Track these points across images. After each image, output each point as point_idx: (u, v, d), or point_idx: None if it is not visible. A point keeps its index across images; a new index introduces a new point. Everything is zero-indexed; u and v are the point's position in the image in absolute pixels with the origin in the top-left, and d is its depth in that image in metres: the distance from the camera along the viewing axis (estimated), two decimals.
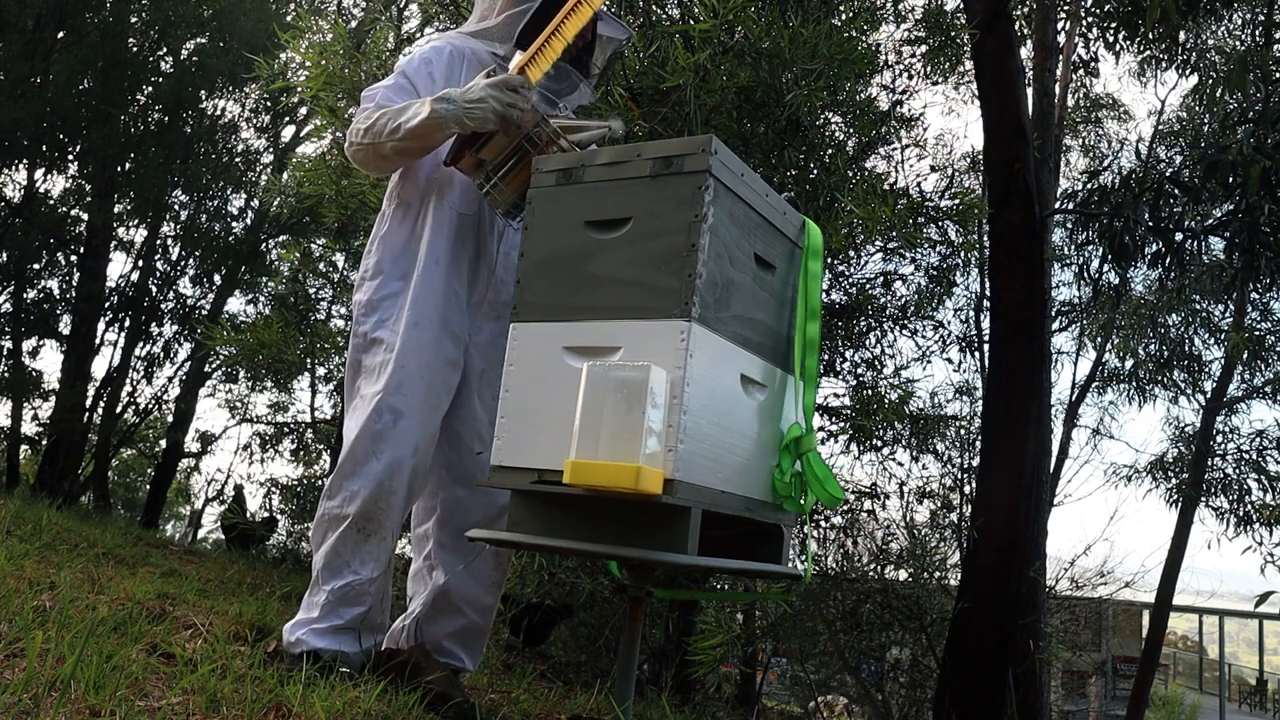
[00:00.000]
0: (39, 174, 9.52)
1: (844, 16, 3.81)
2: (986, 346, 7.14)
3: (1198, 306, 11.22)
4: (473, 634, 2.11)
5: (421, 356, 1.95)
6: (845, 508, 5.30)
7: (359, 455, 1.92)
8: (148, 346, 10.71)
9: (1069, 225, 8.12)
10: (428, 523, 2.11)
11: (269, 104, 10.16)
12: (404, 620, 2.10)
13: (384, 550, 1.95)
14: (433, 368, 1.97)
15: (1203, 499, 10.78)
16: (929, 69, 4.38)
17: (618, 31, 2.20)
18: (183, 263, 10.70)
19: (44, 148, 8.95)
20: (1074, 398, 12.57)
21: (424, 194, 2.03)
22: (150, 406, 11.46)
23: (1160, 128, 11.91)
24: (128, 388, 10.74)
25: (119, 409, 10.75)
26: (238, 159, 10.43)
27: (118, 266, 32.15)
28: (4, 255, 9.34)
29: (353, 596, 1.93)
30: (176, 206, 10.44)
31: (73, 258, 10.19)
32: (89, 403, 10.09)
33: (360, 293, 2.05)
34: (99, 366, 10.47)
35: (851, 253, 4.45)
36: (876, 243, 4.48)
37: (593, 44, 2.15)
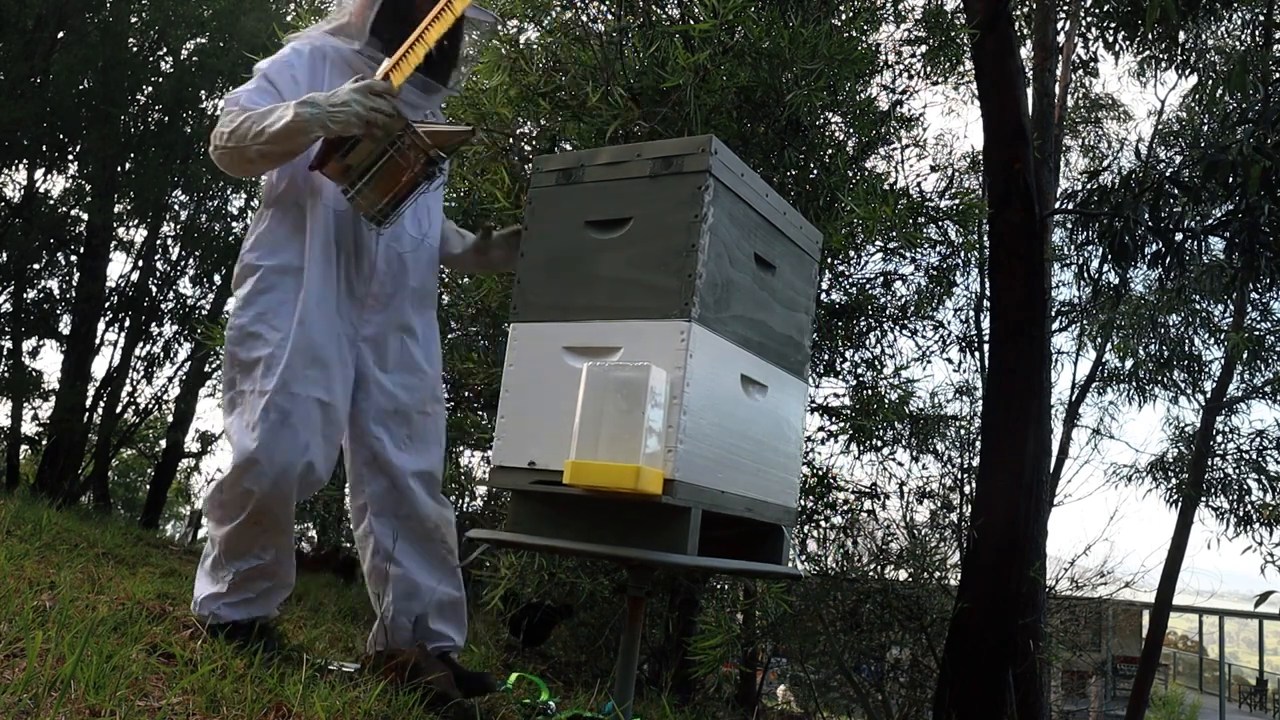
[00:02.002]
0: (39, 174, 9.52)
1: (844, 16, 3.81)
2: (986, 346, 7.14)
3: (1198, 306, 11.22)
4: (451, 606, 2.14)
5: (308, 354, 1.96)
6: (845, 508, 5.30)
7: (252, 456, 1.91)
8: (148, 346, 10.71)
9: (1069, 225, 8.12)
10: (364, 522, 2.13)
11: None
12: (381, 621, 2.12)
13: (283, 534, 2.01)
14: (320, 363, 1.98)
15: (1203, 499, 10.78)
16: (929, 69, 4.38)
17: (484, 16, 2.24)
18: (183, 263, 10.69)
19: (44, 148, 8.95)
20: (1074, 398, 12.57)
21: (300, 192, 2.04)
22: (150, 406, 11.45)
23: (1160, 128, 11.91)
24: (128, 388, 10.73)
25: (119, 409, 10.74)
26: None
27: (118, 266, 32.16)
28: (4, 255, 9.33)
29: (259, 574, 2.00)
30: (176, 206, 10.43)
31: (73, 258, 10.18)
32: (89, 403, 10.08)
33: (238, 287, 2.06)
34: (99, 366, 10.47)
35: (851, 253, 4.45)
36: (876, 243, 4.48)
37: (459, 43, 2.18)
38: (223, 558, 2.00)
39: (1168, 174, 5.66)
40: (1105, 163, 12.22)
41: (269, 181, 2.11)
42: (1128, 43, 7.87)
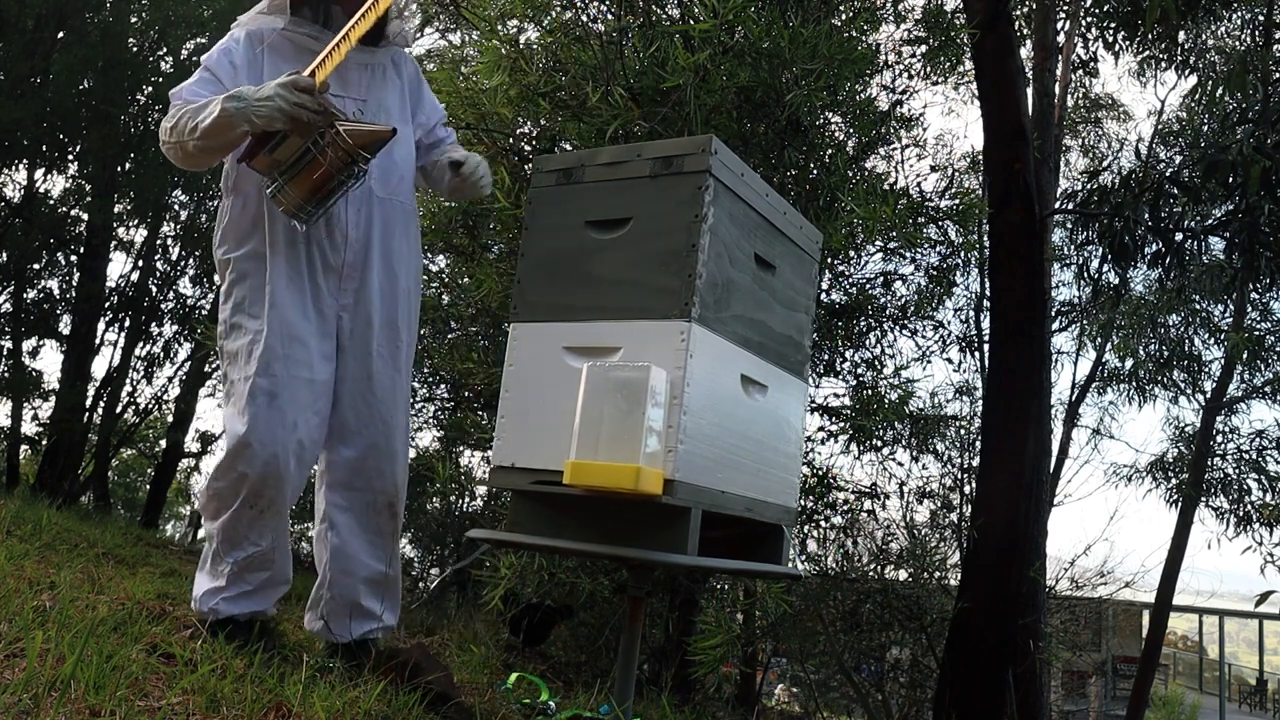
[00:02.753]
0: (39, 174, 9.52)
1: (844, 16, 3.81)
2: (986, 346, 7.14)
3: (1198, 306, 11.22)
4: (382, 584, 2.16)
5: (285, 334, 2.00)
6: (845, 508, 5.30)
7: (243, 439, 1.95)
8: (148, 346, 10.70)
9: (1069, 225, 8.12)
10: (321, 487, 2.17)
11: None
12: (318, 589, 2.16)
13: (279, 520, 2.03)
14: (299, 342, 2.01)
15: (1203, 499, 10.77)
16: (929, 69, 4.37)
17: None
18: (183, 263, 10.68)
19: (44, 148, 8.94)
20: (1074, 398, 12.57)
21: (259, 179, 2.07)
22: (150, 406, 11.44)
23: (1160, 128, 11.91)
24: (128, 388, 10.72)
25: (119, 409, 10.73)
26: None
27: (118, 266, 32.16)
28: (4, 255, 9.33)
29: (256, 564, 2.03)
30: (176, 206, 10.43)
31: (73, 258, 10.18)
32: (89, 403, 10.07)
33: (220, 283, 2.12)
34: (99, 366, 10.46)
35: (851, 253, 4.45)
36: (876, 243, 4.48)
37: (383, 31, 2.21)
38: (221, 549, 2.03)
39: (1168, 174, 5.66)
40: (1105, 163, 12.22)
41: (225, 171, 2.15)
42: (1127, 43, 7.87)
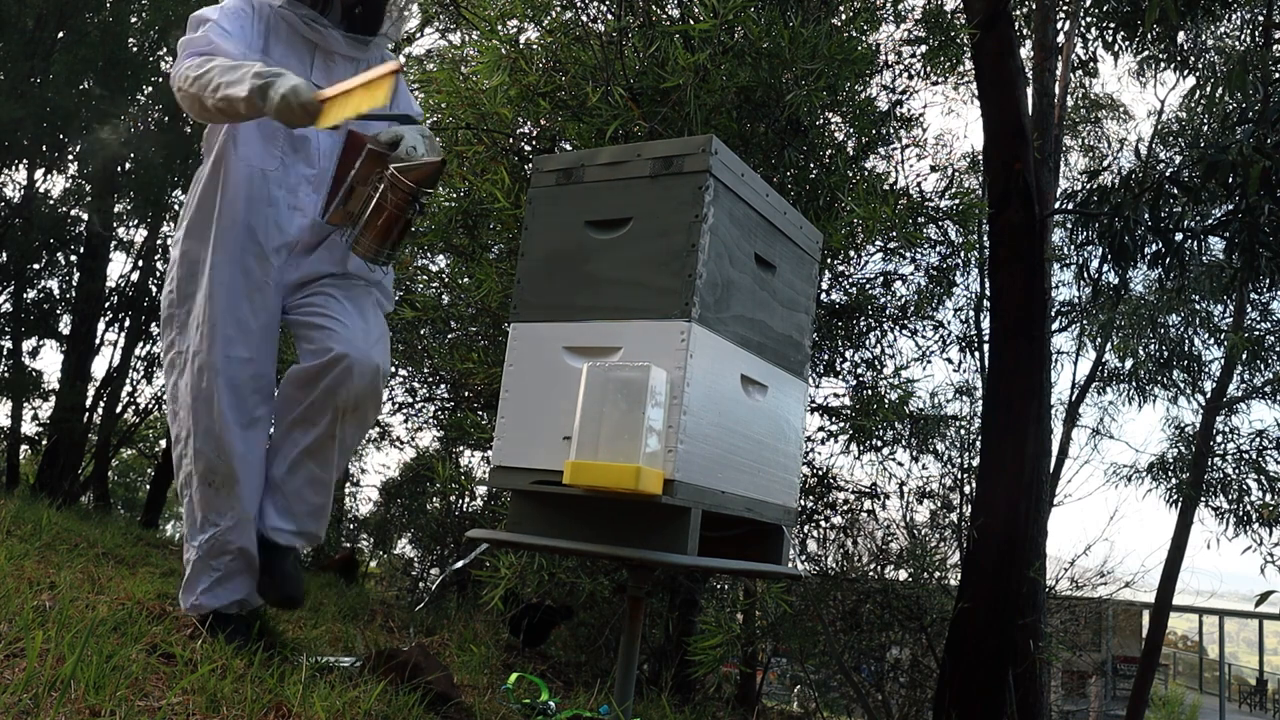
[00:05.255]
0: (39, 174, 9.52)
1: (844, 16, 3.81)
2: (986, 346, 7.14)
3: (1198, 306, 11.21)
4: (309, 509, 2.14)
5: (229, 313, 2.04)
6: (845, 508, 5.30)
7: (190, 413, 2.03)
8: (148, 346, 10.69)
9: (1069, 225, 8.12)
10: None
11: None
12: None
13: (237, 500, 2.04)
14: (239, 321, 2.05)
15: (1202, 499, 10.77)
16: (929, 69, 4.38)
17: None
18: None
19: (44, 148, 8.94)
20: (1074, 398, 12.57)
21: (223, 149, 2.11)
22: (150, 406, 11.43)
23: (1160, 128, 11.91)
24: (128, 388, 10.72)
25: (119, 409, 10.73)
26: None
27: (118, 266, 32.16)
28: (4, 255, 9.33)
29: (219, 547, 2.04)
30: (176, 206, 10.43)
31: (73, 258, 10.18)
32: (89, 403, 10.07)
33: (174, 248, 2.16)
34: (99, 366, 10.46)
35: (851, 253, 4.45)
36: (876, 243, 4.48)
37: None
38: (187, 535, 2.07)
39: (1168, 174, 5.66)
40: (1105, 163, 12.22)
41: (206, 137, 2.19)
42: (1127, 43, 7.86)
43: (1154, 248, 5.35)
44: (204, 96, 1.95)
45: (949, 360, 11.26)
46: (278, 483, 2.10)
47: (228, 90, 1.92)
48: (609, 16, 3.60)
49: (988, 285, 6.46)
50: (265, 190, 2.11)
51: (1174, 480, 11.17)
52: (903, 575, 5.72)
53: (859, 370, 4.86)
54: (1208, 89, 7.59)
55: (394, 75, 1.98)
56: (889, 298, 4.96)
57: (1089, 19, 8.50)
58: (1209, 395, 11.18)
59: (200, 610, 2.03)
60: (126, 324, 10.38)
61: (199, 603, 2.04)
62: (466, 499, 7.51)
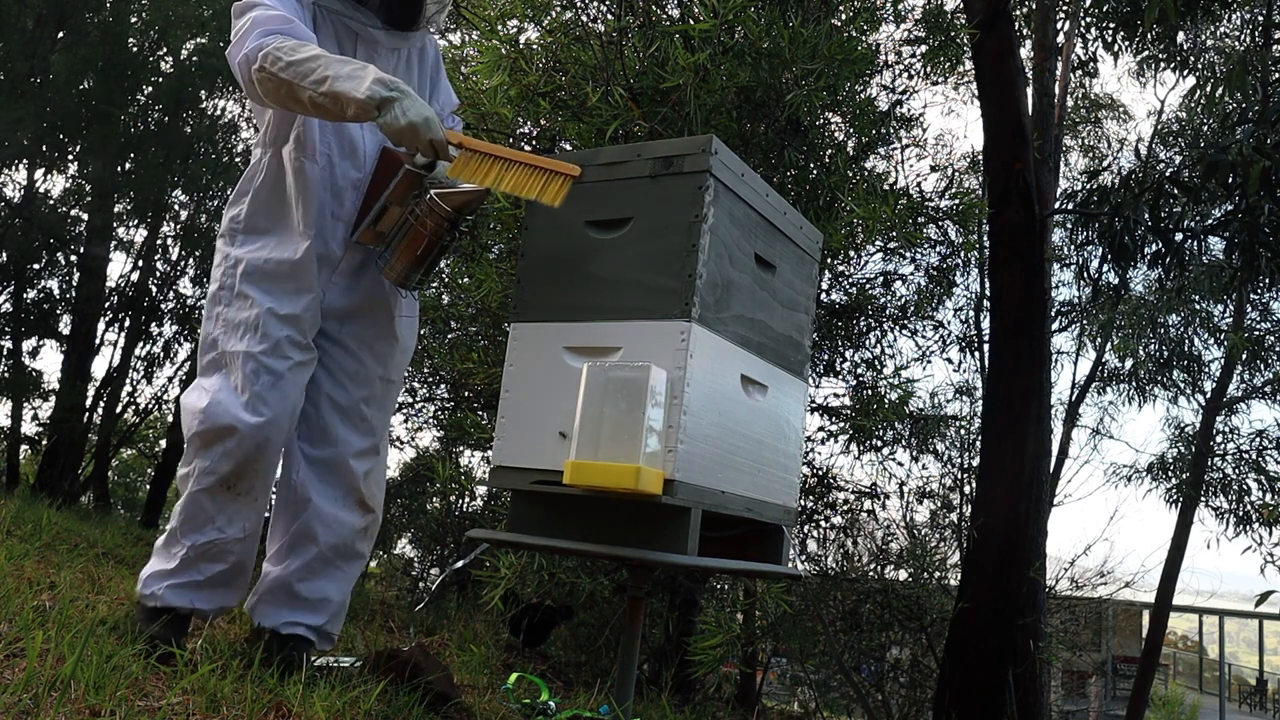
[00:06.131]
0: (39, 174, 9.53)
1: (844, 16, 3.81)
2: (986, 346, 7.13)
3: (1198, 306, 11.22)
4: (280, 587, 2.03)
5: (297, 318, 1.92)
6: (845, 508, 5.30)
7: (235, 413, 1.86)
8: (148, 346, 10.70)
9: (1069, 225, 8.12)
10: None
11: None
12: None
13: (253, 511, 1.92)
14: (302, 325, 1.93)
15: (1202, 499, 10.77)
16: (929, 69, 4.38)
17: None
18: (183, 263, 10.68)
19: (44, 148, 8.94)
20: (1074, 398, 12.57)
21: (283, 146, 1.97)
22: (150, 406, 11.44)
23: (1160, 128, 11.91)
24: (128, 388, 10.73)
25: (119, 409, 10.74)
26: (238, 159, 10.43)
27: (118, 266, 32.17)
28: (4, 255, 9.33)
29: (214, 553, 1.89)
30: (176, 206, 10.43)
31: (73, 258, 10.18)
32: (89, 403, 10.08)
33: (229, 244, 2.00)
34: (99, 366, 10.46)
35: (851, 253, 4.45)
36: (876, 243, 4.48)
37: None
38: (179, 530, 1.90)
39: (1168, 174, 5.66)
40: (1105, 163, 12.22)
41: (265, 127, 2.03)
42: (1127, 43, 7.86)
43: (1154, 248, 5.35)
44: (301, 84, 1.75)
45: (949, 360, 11.27)
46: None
47: (339, 86, 1.73)
48: (609, 16, 3.60)
49: (988, 285, 6.46)
50: (337, 193, 1.98)
51: (1174, 480, 11.17)
52: (903, 575, 5.72)
53: (859, 370, 4.87)
54: (1208, 89, 7.59)
55: (569, 181, 1.81)
56: (889, 298, 4.96)
57: (1089, 19, 8.50)
58: (1209, 395, 11.18)
59: (157, 601, 1.87)
60: (126, 324, 10.39)
61: (160, 593, 1.88)
62: (466, 499, 7.50)
